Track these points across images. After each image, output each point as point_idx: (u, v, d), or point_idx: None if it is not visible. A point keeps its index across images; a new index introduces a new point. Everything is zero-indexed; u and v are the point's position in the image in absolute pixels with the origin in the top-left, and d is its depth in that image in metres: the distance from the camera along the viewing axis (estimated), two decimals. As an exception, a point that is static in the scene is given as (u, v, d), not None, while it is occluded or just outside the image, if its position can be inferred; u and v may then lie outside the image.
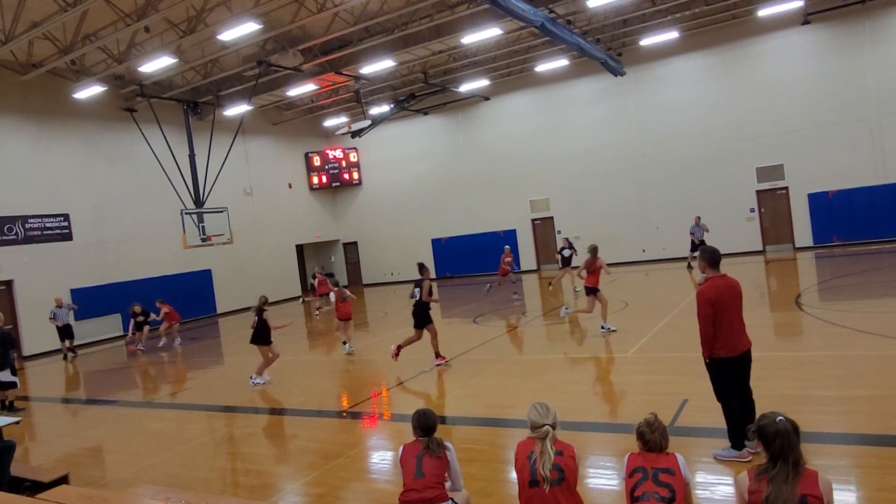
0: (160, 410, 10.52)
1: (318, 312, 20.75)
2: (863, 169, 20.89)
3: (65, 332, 17.63)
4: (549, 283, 19.31)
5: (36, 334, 19.14)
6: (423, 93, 26.11)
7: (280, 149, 29.09)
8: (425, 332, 10.87)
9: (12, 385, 11.07)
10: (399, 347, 10.98)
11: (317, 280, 21.27)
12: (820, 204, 21.69)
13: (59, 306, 17.43)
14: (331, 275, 25.67)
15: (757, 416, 3.39)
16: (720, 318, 5.31)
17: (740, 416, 5.34)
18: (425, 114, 28.65)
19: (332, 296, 13.63)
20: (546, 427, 3.80)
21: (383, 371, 11.59)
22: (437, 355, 10.85)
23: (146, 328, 17.77)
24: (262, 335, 11.06)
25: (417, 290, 10.88)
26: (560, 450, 3.78)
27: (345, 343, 13.18)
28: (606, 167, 25.13)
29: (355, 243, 31.95)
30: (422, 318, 10.77)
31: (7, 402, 11.27)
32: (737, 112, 22.61)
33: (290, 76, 21.80)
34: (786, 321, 11.52)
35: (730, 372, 5.40)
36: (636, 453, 3.66)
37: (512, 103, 27.01)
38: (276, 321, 11.44)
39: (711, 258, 5.50)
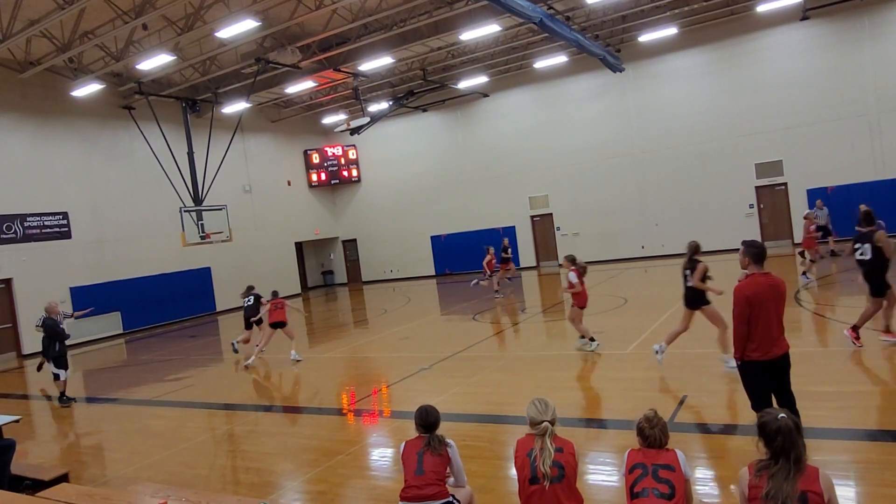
0: (160, 408, 10.52)
1: (498, 291, 19.11)
2: (861, 165, 20.89)
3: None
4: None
5: (35, 333, 19.05)
6: (422, 90, 26.08)
7: (279, 146, 29.06)
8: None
9: (56, 377, 11.21)
10: (856, 328, 8.38)
11: (491, 255, 18.49)
12: (819, 199, 21.65)
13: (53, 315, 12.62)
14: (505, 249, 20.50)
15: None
16: (756, 318, 5.01)
17: None
18: (424, 111, 28.62)
19: (573, 275, 10.20)
20: (545, 424, 3.81)
21: (383, 368, 11.60)
22: (887, 330, 8.41)
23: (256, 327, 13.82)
24: (697, 296, 8.37)
25: (865, 246, 8.25)
26: (560, 446, 3.78)
27: (591, 339, 10.32)
28: (605, 163, 25.12)
29: (354, 240, 31.94)
30: (881, 283, 8.21)
31: (61, 395, 11.30)
32: (736, 108, 22.60)
33: (288, 73, 21.76)
34: (785, 317, 11.52)
35: (762, 377, 5.12)
36: (636, 449, 3.67)
37: (511, 100, 26.98)
38: (711, 284, 8.44)
39: (757, 254, 5.15)
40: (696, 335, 10.58)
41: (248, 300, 13.78)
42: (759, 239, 22.25)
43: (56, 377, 11.31)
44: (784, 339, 5.15)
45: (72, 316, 13.68)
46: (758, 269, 5.14)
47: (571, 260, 10.50)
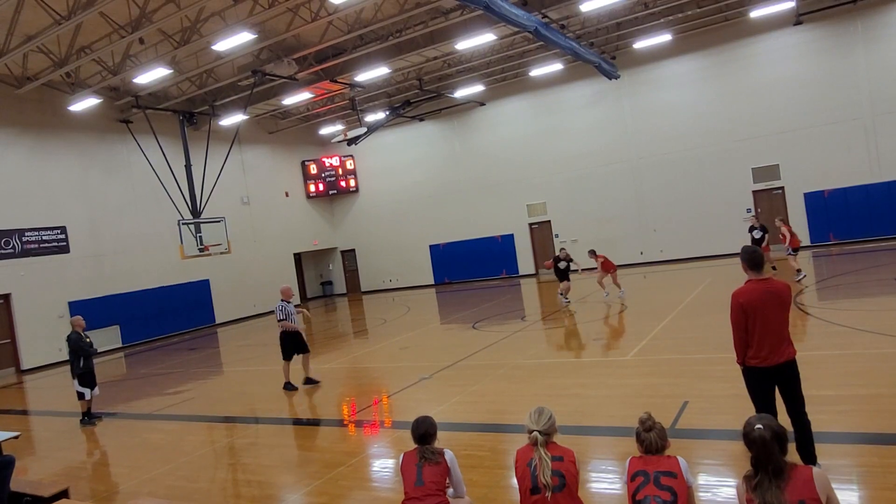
0: (160, 422, 10.48)
1: (800, 277, 15.67)
2: (857, 167, 20.97)
3: (297, 342, 11.22)
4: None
5: (35, 347, 19.09)
6: (419, 99, 26.16)
7: (276, 158, 29.11)
8: None
9: (80, 396, 10.63)
10: None
11: (787, 230, 15.88)
12: (816, 203, 21.75)
13: (287, 300, 11.28)
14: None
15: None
16: (753, 325, 4.92)
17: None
18: (421, 120, 28.71)
19: None
20: (534, 434, 3.76)
21: (383, 378, 11.58)
22: None
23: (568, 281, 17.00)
24: None
25: None
26: (560, 455, 3.75)
27: None
28: (603, 170, 25.18)
29: (353, 251, 31.94)
30: None
31: (82, 414, 10.72)
32: (731, 113, 22.69)
33: (285, 85, 21.83)
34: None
35: (761, 383, 5.02)
36: (637, 457, 3.65)
37: (507, 108, 27.07)
38: None
39: (750, 260, 5.06)
40: (696, 340, 10.59)
41: (561, 265, 17.02)
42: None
43: (80, 396, 10.66)
44: (788, 346, 5.01)
45: (298, 307, 11.83)
46: (755, 274, 5.07)
47: None
